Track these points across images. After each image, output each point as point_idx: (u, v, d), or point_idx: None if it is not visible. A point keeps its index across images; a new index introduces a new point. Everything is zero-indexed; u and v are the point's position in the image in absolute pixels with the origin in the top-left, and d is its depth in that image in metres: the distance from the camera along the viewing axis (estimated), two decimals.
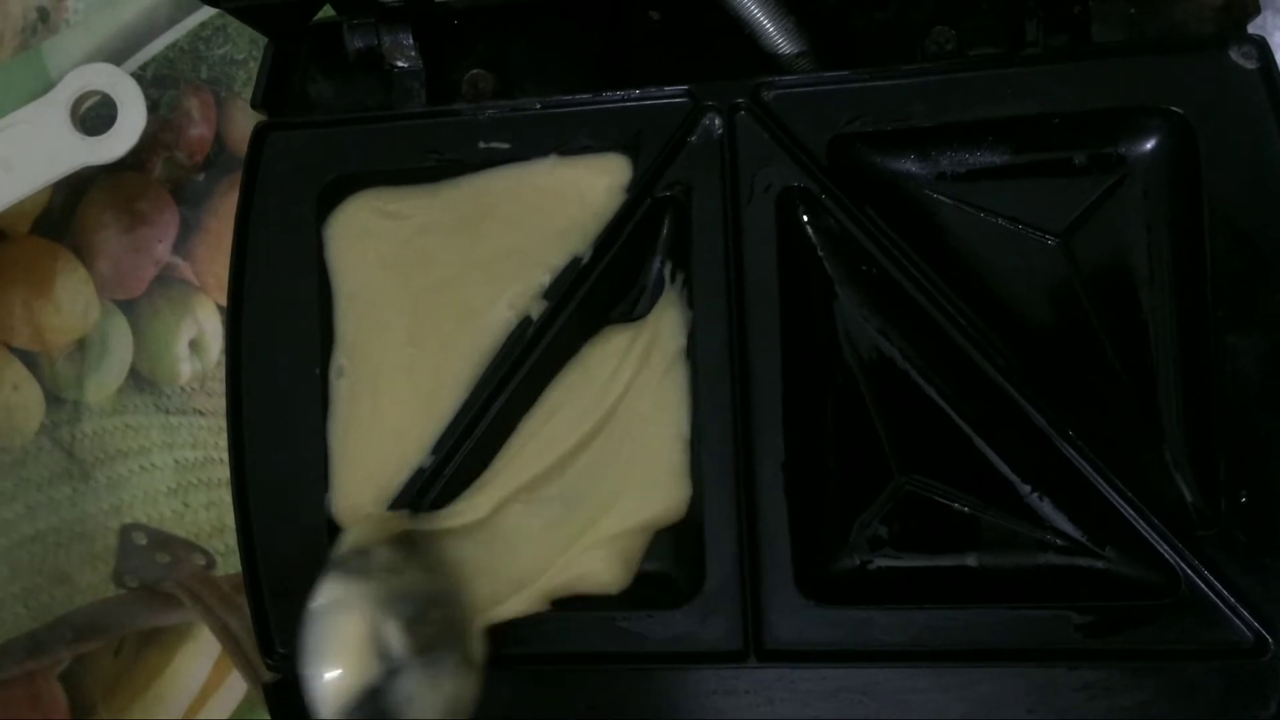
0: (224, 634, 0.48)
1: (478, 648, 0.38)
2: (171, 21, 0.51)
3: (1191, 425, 0.37)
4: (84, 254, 0.51)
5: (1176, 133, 0.37)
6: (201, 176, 0.50)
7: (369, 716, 0.35)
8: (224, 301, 0.47)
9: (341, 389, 0.41)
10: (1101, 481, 0.36)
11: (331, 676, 0.35)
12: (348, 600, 0.36)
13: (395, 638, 0.35)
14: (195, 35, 0.50)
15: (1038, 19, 0.38)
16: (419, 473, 0.40)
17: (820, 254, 0.39)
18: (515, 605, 0.39)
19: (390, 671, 0.35)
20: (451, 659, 0.36)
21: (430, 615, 0.36)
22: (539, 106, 0.40)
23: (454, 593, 0.38)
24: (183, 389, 0.49)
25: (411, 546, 0.38)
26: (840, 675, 0.37)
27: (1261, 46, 0.36)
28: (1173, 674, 0.36)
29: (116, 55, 0.51)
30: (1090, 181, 0.38)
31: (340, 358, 0.41)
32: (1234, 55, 0.36)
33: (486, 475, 0.40)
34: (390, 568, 0.37)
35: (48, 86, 0.48)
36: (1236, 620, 0.35)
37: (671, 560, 0.39)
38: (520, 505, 0.40)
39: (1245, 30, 0.37)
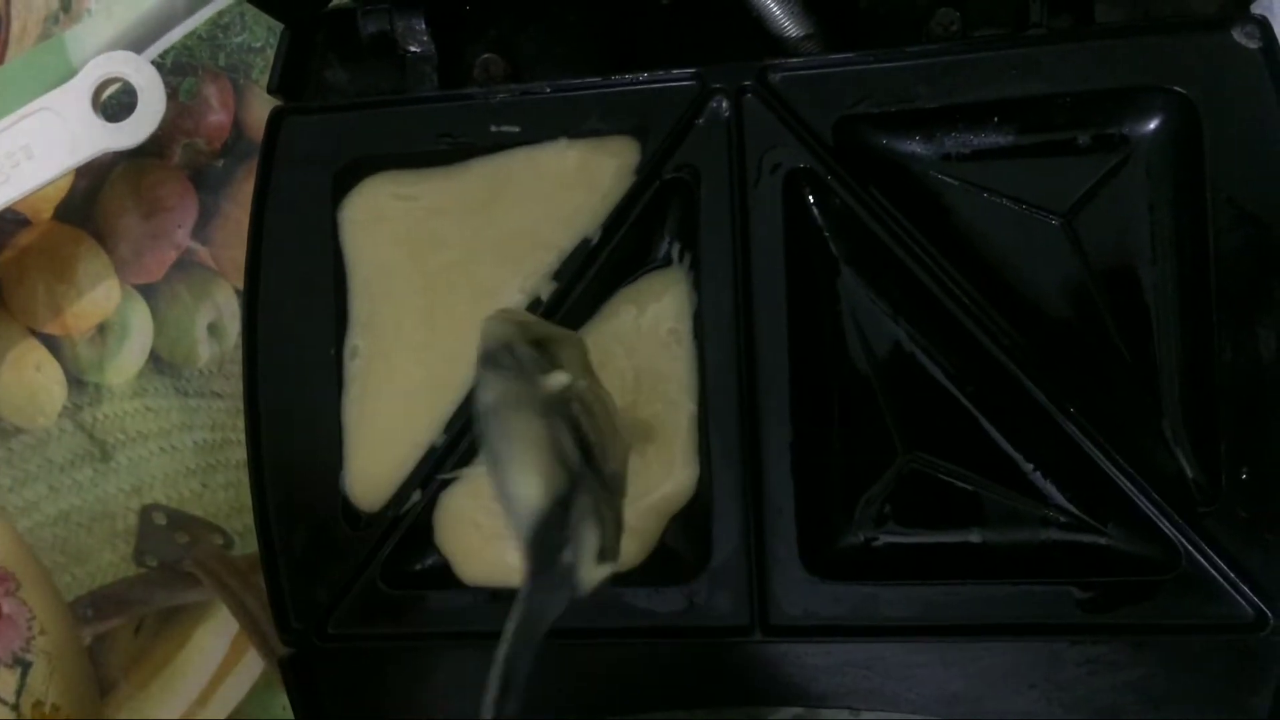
0: (241, 612, 0.49)
1: (626, 460, 0.34)
2: (190, 10, 0.52)
3: (1193, 403, 0.37)
4: (105, 239, 0.51)
5: (1179, 113, 0.37)
6: (220, 163, 0.51)
7: (559, 534, 0.30)
8: (242, 286, 0.48)
9: (356, 369, 0.42)
10: (1103, 458, 0.37)
11: (531, 483, 0.30)
12: (519, 400, 0.31)
13: (569, 444, 0.31)
14: (214, 23, 0.51)
15: (1041, 0, 0.38)
16: (432, 451, 0.41)
17: (826, 234, 0.40)
18: None
19: (572, 481, 0.31)
20: (609, 469, 0.33)
21: (586, 421, 0.33)
22: (549, 90, 0.41)
23: (600, 398, 0.34)
24: (201, 372, 0.50)
25: (548, 347, 0.34)
26: (845, 649, 0.38)
27: (1264, 26, 0.36)
28: (1174, 648, 0.36)
29: (137, 43, 0.51)
30: (1094, 161, 0.38)
31: (355, 339, 0.42)
32: (1237, 35, 0.36)
33: None
34: (539, 366, 0.32)
35: (69, 74, 0.48)
36: (1236, 595, 0.36)
37: (679, 536, 0.40)
38: None
39: (1248, 10, 0.37)
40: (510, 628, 0.30)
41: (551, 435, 0.31)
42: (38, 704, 0.34)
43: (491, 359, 0.32)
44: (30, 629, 0.35)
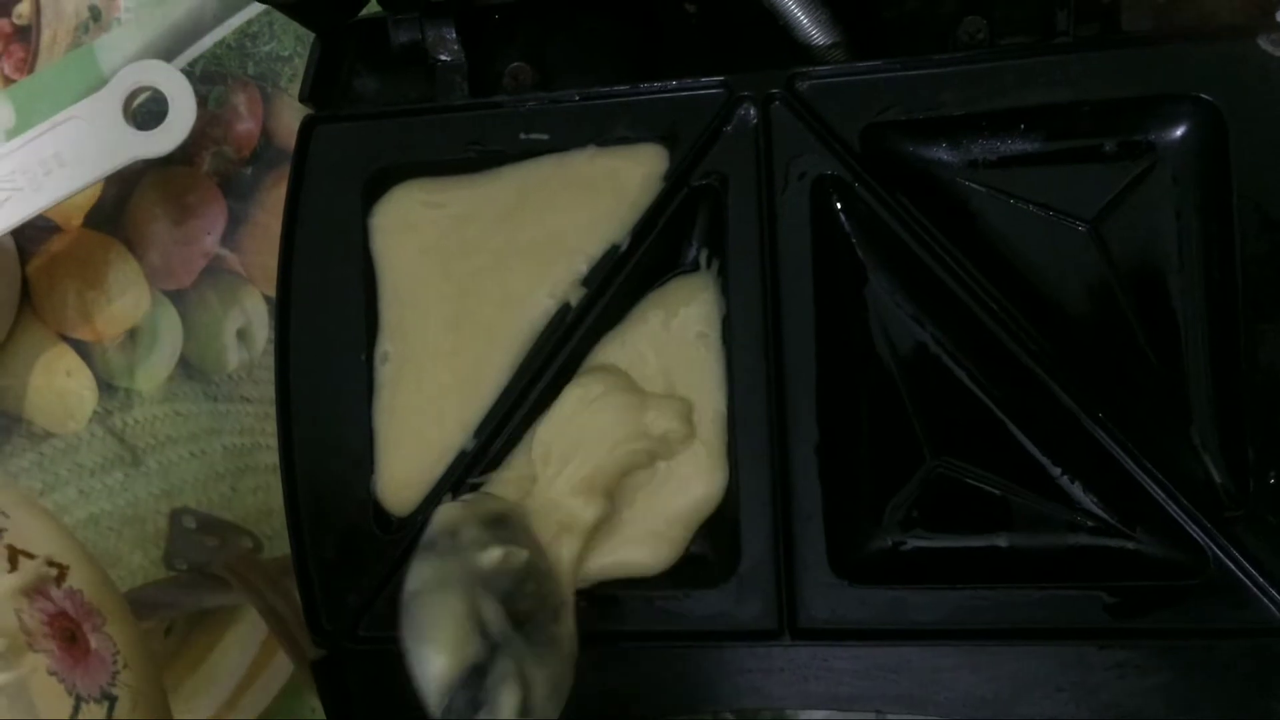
0: (271, 615, 0.49)
1: (571, 621, 0.38)
2: (219, 19, 0.52)
3: (1221, 408, 0.37)
4: (135, 246, 0.52)
5: (1206, 120, 0.37)
6: (249, 170, 0.51)
7: (474, 696, 0.34)
8: (271, 292, 0.49)
9: (386, 374, 0.42)
10: (1131, 463, 0.37)
11: (436, 658, 0.34)
12: (444, 580, 0.35)
13: (494, 614, 0.35)
14: (242, 33, 0.52)
15: (1068, 9, 0.38)
16: (461, 455, 0.41)
17: (853, 241, 0.40)
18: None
19: (492, 648, 0.35)
20: (549, 632, 0.36)
21: (525, 589, 0.36)
22: (578, 98, 0.41)
23: (545, 566, 0.37)
24: (230, 377, 0.51)
25: (499, 524, 0.37)
26: (873, 654, 0.38)
27: None
28: (1201, 653, 0.36)
29: (166, 52, 0.52)
30: (1120, 168, 0.38)
31: (385, 344, 0.42)
32: (1263, 43, 0.37)
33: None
34: (480, 545, 0.36)
35: (100, 83, 0.49)
36: (1265, 599, 0.36)
37: (708, 541, 0.40)
38: None
39: (1274, 18, 0.37)
40: None
41: (470, 608, 0.35)
42: None
43: (429, 544, 0.36)
44: (115, 664, 0.35)
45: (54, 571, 0.35)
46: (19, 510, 0.36)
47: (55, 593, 0.34)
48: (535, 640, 0.35)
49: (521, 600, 0.36)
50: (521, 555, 0.36)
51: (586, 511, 0.38)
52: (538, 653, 0.35)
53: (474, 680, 0.34)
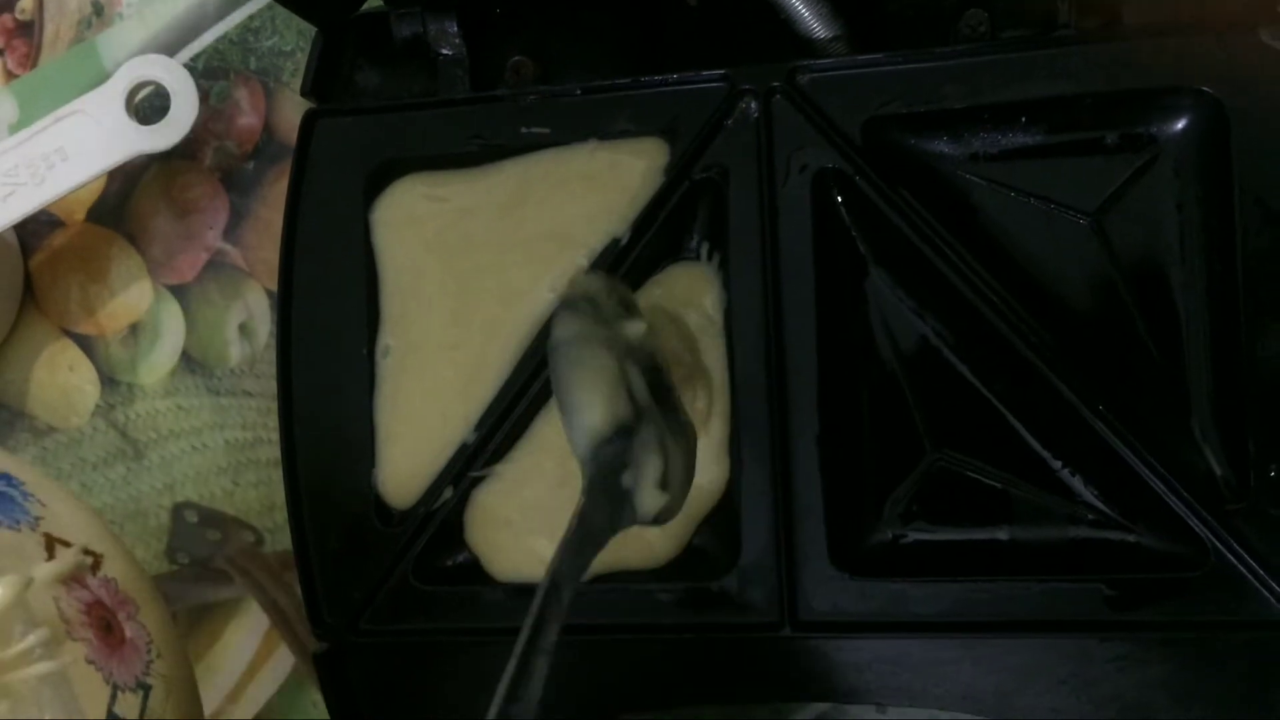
0: (272, 609, 0.49)
1: (690, 418, 0.37)
2: (221, 14, 0.52)
3: (1221, 401, 0.37)
4: (137, 240, 0.52)
5: (1207, 113, 0.37)
6: (251, 165, 0.51)
7: (621, 456, 0.33)
8: (272, 286, 0.49)
9: (388, 368, 0.42)
10: (1132, 456, 0.37)
11: (592, 408, 0.33)
12: (591, 338, 0.34)
13: (639, 382, 0.34)
14: (244, 28, 0.52)
15: (1069, 1, 0.38)
16: (463, 448, 0.41)
17: (854, 234, 0.40)
18: None
19: (638, 415, 0.34)
20: (679, 418, 0.36)
21: (657, 374, 0.35)
22: (579, 92, 0.41)
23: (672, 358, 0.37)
24: (232, 371, 0.51)
25: (631, 307, 0.37)
26: (874, 646, 0.38)
27: None
28: (1202, 645, 0.36)
29: (168, 47, 0.52)
30: (1122, 161, 0.38)
31: (386, 337, 0.42)
32: (1264, 36, 0.36)
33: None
34: (619, 318, 0.36)
35: (102, 78, 0.49)
36: (1265, 592, 0.36)
37: (709, 534, 0.40)
38: None
39: (1275, 11, 0.37)
40: (562, 541, 0.31)
41: (621, 370, 0.33)
42: None
43: (570, 304, 0.35)
44: (149, 653, 0.34)
45: (90, 560, 0.35)
46: (55, 500, 0.36)
47: (91, 581, 0.34)
48: (670, 421, 0.35)
49: (662, 378, 0.35)
50: (657, 336, 0.36)
51: None
52: (676, 430, 0.35)
53: (621, 439, 0.33)
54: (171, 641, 0.36)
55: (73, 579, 0.33)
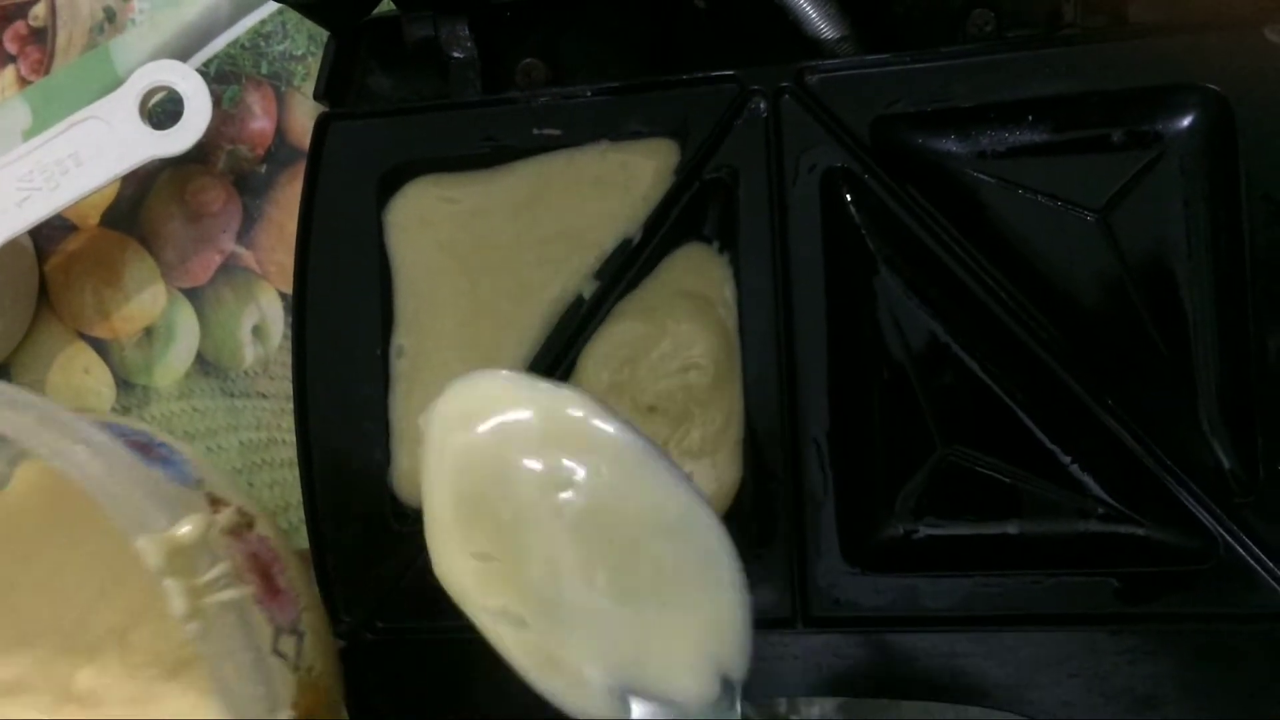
0: None
1: None
2: (232, 20, 0.52)
3: (1229, 395, 0.37)
4: (151, 244, 0.52)
5: (1213, 109, 0.37)
6: (263, 168, 0.51)
7: None
8: (285, 288, 0.49)
9: (402, 368, 0.43)
10: (1141, 450, 0.37)
11: None
12: None
13: None
14: (256, 33, 0.52)
15: (1075, 0, 0.39)
16: None
17: (863, 232, 0.41)
18: None
19: None
20: None
21: None
22: (590, 94, 0.42)
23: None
24: (246, 373, 0.51)
25: None
26: (885, 640, 0.38)
27: None
28: (1212, 637, 0.36)
29: (181, 53, 0.52)
30: (1128, 158, 0.39)
31: (400, 337, 0.43)
32: (1269, 34, 0.37)
33: None
34: None
35: (115, 83, 0.50)
36: (1274, 584, 0.36)
37: None
38: None
39: None
40: None
41: None
42: (309, 670, 0.37)
43: None
44: (299, 603, 0.38)
45: (246, 518, 0.38)
46: (209, 470, 0.39)
47: (249, 536, 0.37)
48: None
49: None
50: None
51: None
52: None
53: None
54: (315, 599, 0.40)
55: (234, 533, 0.37)
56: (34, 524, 0.43)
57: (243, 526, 0.37)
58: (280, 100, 0.52)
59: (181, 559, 0.34)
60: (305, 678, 0.37)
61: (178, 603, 0.34)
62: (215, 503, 0.37)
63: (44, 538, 0.43)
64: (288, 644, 0.36)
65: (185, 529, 0.34)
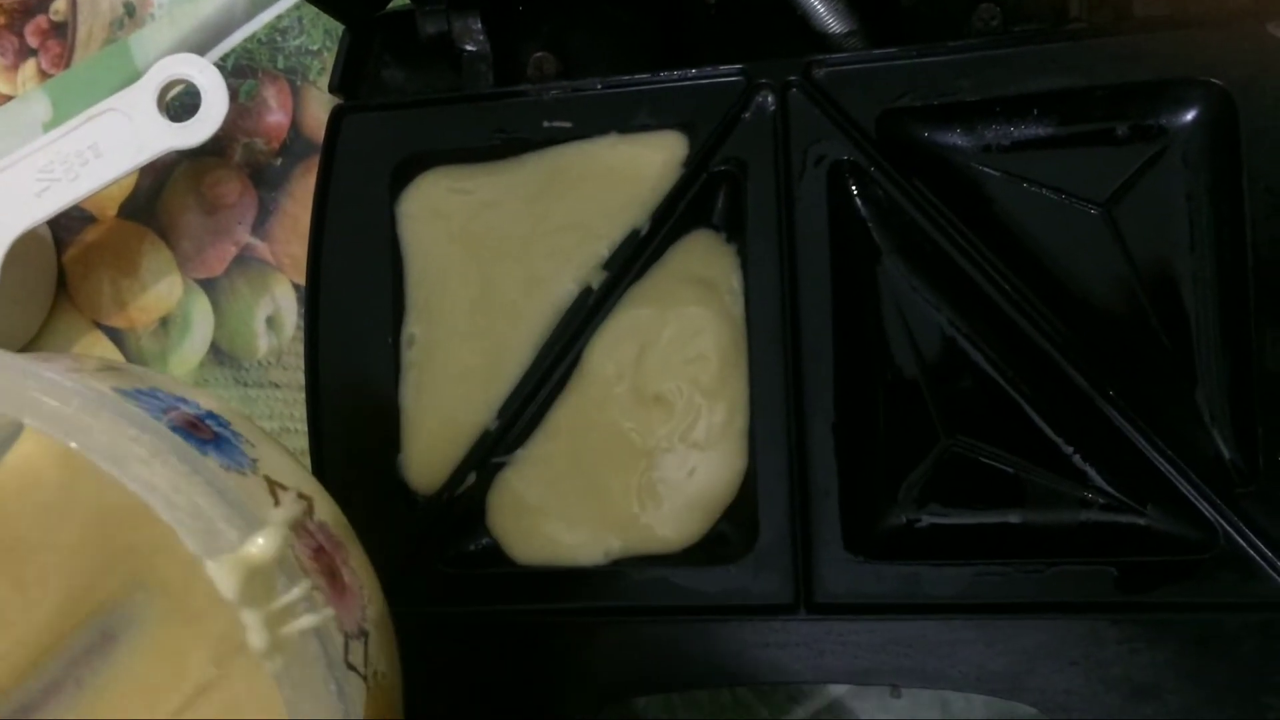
0: None
1: None
2: (249, 15, 0.53)
3: (1230, 387, 0.38)
4: (168, 235, 0.53)
5: (1216, 104, 0.38)
6: (278, 161, 0.52)
7: None
8: (299, 280, 0.50)
9: (413, 357, 0.43)
10: (1142, 441, 0.37)
11: None
12: None
13: None
14: (272, 28, 0.53)
15: None
16: (485, 435, 0.42)
17: (869, 224, 0.41)
18: None
19: None
20: None
21: None
22: (600, 87, 0.42)
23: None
24: (260, 363, 0.52)
25: None
26: (888, 628, 0.39)
27: None
28: (1212, 627, 0.37)
29: (199, 47, 0.53)
30: (1132, 152, 0.39)
31: (412, 326, 0.43)
32: (1272, 28, 0.37)
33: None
34: None
35: (134, 77, 0.50)
36: (1274, 574, 0.36)
37: (726, 518, 0.41)
38: None
39: None
40: None
41: None
42: (375, 674, 0.31)
43: None
44: (363, 598, 0.32)
45: (305, 504, 0.32)
46: (262, 443, 0.33)
47: (310, 525, 0.31)
48: None
49: None
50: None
51: None
52: None
53: None
54: (376, 585, 0.34)
55: (298, 525, 0.30)
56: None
57: (304, 516, 0.31)
58: (296, 94, 0.52)
59: (259, 582, 0.28)
60: (373, 685, 0.31)
61: (257, 637, 0.28)
62: (274, 488, 0.31)
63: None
64: (357, 652, 0.30)
65: (259, 543, 0.28)
